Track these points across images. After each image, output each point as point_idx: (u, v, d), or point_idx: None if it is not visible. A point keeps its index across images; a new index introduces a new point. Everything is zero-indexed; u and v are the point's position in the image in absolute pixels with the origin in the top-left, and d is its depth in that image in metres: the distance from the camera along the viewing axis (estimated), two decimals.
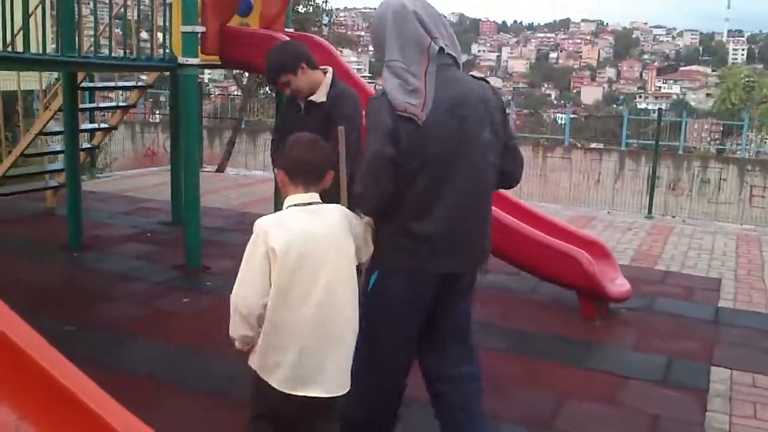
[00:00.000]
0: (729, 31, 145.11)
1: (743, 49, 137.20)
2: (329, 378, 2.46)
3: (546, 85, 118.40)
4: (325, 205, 2.56)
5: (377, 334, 2.79)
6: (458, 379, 2.97)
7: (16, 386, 1.50)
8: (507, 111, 3.14)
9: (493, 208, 5.41)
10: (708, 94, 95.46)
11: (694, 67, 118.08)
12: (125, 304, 5.39)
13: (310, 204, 2.50)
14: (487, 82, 2.91)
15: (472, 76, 2.88)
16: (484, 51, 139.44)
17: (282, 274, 2.37)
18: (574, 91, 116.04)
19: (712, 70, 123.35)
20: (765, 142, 24.37)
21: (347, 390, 2.54)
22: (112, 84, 7.98)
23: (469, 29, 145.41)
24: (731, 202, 17.83)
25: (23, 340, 1.53)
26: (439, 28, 2.75)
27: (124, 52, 5.63)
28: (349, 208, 2.74)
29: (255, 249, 2.40)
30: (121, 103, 8.04)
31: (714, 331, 5.29)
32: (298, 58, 4.06)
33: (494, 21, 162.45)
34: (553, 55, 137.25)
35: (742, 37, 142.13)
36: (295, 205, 2.50)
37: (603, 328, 5.28)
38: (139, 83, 7.93)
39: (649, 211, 11.70)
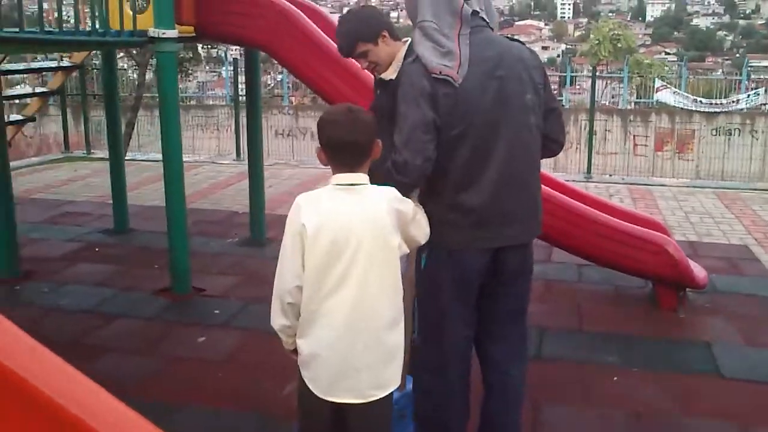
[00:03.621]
0: None
1: (569, 4, 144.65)
2: (362, 381, 2.24)
3: None
4: (371, 186, 2.29)
5: (432, 314, 2.72)
6: (501, 361, 2.84)
7: None
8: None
9: (552, 191, 4.58)
10: (544, 47, 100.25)
11: (528, 21, 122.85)
12: (122, 356, 4.10)
13: (353, 185, 2.25)
14: (523, 44, 2.76)
15: (507, 38, 2.76)
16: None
17: (314, 256, 2.18)
18: None
19: (545, 24, 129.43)
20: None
21: (388, 392, 2.30)
22: (34, 65, 6.36)
23: None
24: (617, 152, 18.22)
25: None
26: None
27: (93, 26, 4.24)
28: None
29: (289, 226, 2.23)
30: (39, 88, 6.42)
31: None
32: (378, 26, 3.14)
33: None
34: (393, 14, 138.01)
35: None
36: (337, 184, 2.26)
37: (692, 320, 4.69)
38: (63, 63, 6.34)
39: (588, 171, 11.44)
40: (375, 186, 2.31)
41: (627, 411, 3.52)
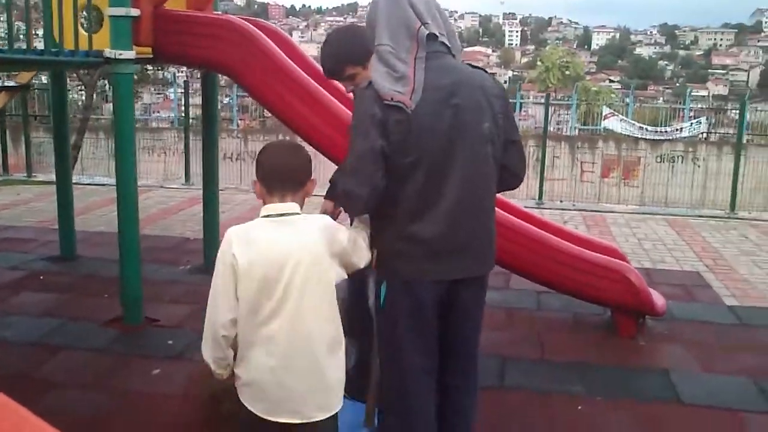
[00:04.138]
0: (504, 14, 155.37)
1: (517, 31, 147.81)
2: (306, 403, 2.27)
3: None
4: (303, 215, 2.32)
5: (390, 346, 2.64)
6: (455, 392, 2.77)
7: None
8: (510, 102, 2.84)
9: (511, 217, 4.59)
10: (491, 74, 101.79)
11: (476, 48, 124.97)
12: (71, 391, 3.89)
13: (283, 215, 2.28)
14: (485, 71, 2.68)
15: (469, 65, 2.67)
16: None
17: (247, 290, 2.21)
18: None
19: (492, 51, 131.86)
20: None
21: (330, 414, 2.32)
22: None
23: (258, 13, 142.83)
24: (565, 178, 18.51)
25: None
26: (432, 14, 2.57)
27: (46, 45, 4.09)
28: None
29: (221, 260, 2.25)
30: None
31: (754, 337, 4.93)
32: (368, 48, 3.01)
33: (283, 5, 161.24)
34: None
35: (516, 19, 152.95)
36: (266, 216, 2.29)
37: (651, 348, 4.72)
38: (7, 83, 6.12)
39: (540, 197, 11.56)
40: (307, 215, 2.33)
41: None
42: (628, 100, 23.22)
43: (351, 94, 2.79)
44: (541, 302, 5.46)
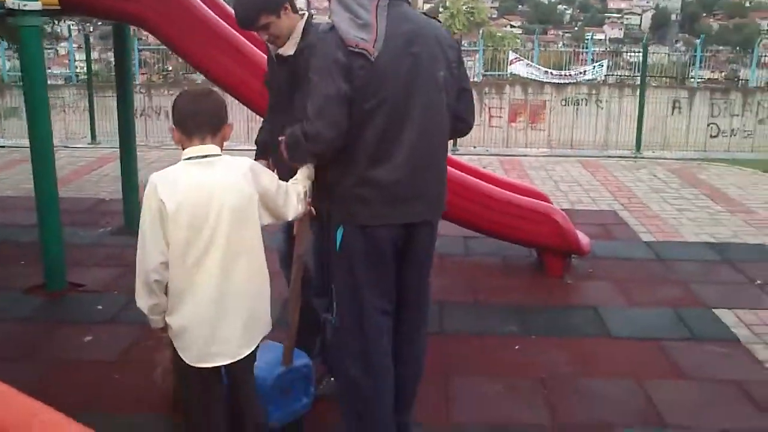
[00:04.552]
0: None
1: None
2: (231, 345, 2.36)
3: None
4: (227, 157, 2.36)
5: (348, 292, 2.67)
6: (412, 330, 2.84)
7: None
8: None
9: None
10: None
11: None
12: (7, 365, 3.66)
13: (206, 156, 2.31)
14: (439, 21, 2.75)
15: (424, 14, 2.75)
16: None
17: (176, 232, 2.24)
18: None
19: None
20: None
21: (255, 346, 2.45)
22: None
23: None
24: (478, 124, 18.77)
25: None
26: None
27: None
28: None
29: (147, 205, 2.26)
30: None
31: (670, 270, 5.21)
32: None
33: None
34: None
35: None
36: (188, 158, 2.31)
37: (578, 286, 4.93)
38: None
39: (455, 144, 11.69)
40: (229, 157, 2.37)
41: (532, 378, 3.64)
42: (530, 44, 23.59)
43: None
44: (469, 247, 5.58)
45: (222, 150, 2.39)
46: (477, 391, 3.52)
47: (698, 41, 22.04)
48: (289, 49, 3.05)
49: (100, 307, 4.41)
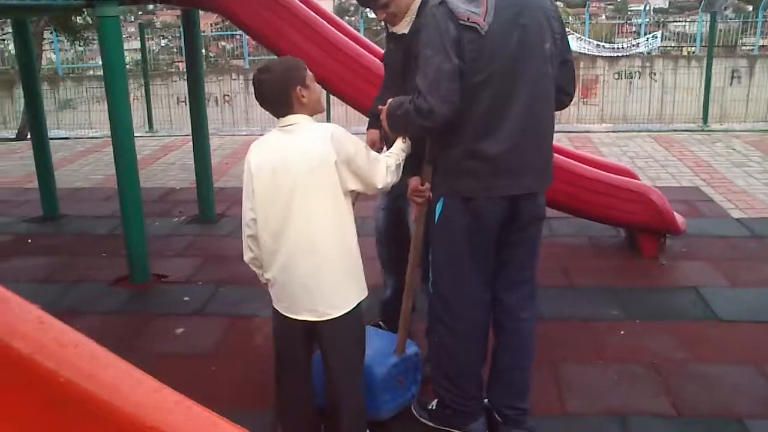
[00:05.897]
0: None
1: None
2: (316, 303, 2.42)
3: None
4: (309, 125, 2.45)
5: (448, 265, 2.69)
6: (517, 309, 2.82)
7: None
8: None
9: None
10: None
11: None
12: None
13: (289, 125, 2.45)
14: None
15: None
16: None
17: (260, 192, 2.42)
18: None
19: None
20: None
21: (343, 312, 2.45)
22: None
23: None
24: None
25: None
26: None
27: None
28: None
29: (245, 168, 2.48)
30: None
31: None
32: None
33: None
34: None
35: None
36: (280, 127, 2.48)
37: (675, 267, 4.70)
38: None
39: None
40: (314, 124, 2.46)
41: (644, 364, 3.47)
42: (572, 19, 23.00)
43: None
44: (553, 229, 5.38)
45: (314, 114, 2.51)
46: (588, 378, 3.37)
47: (759, 6, 21.12)
48: (403, 28, 2.97)
49: (186, 298, 4.35)
